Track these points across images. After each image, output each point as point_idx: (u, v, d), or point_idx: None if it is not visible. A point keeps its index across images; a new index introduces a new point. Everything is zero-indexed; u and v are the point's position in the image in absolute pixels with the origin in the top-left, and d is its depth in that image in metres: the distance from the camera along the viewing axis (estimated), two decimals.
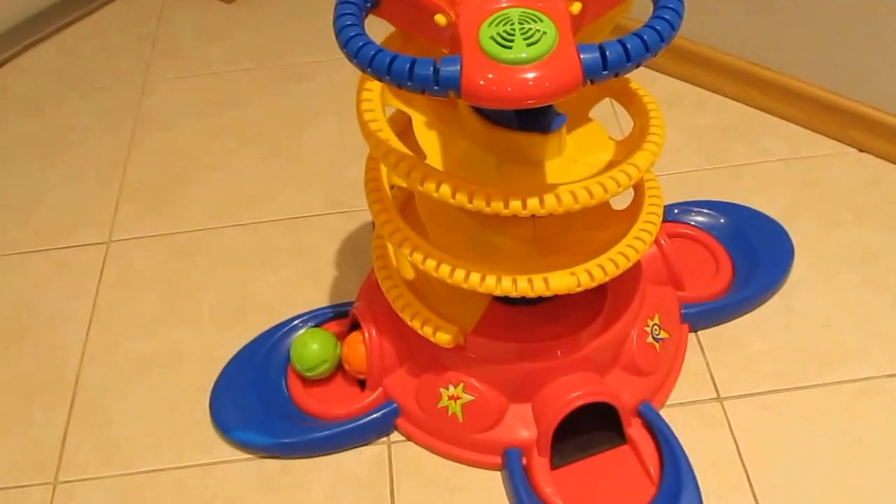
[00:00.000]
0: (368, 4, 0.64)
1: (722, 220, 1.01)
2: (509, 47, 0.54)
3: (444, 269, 0.69)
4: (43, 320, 1.01)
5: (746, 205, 1.04)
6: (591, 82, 0.56)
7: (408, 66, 0.56)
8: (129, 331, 0.99)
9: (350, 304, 0.95)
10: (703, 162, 1.14)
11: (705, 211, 1.02)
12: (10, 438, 0.90)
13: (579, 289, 0.70)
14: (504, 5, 0.58)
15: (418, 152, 0.71)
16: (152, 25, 1.49)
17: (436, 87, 0.55)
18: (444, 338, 0.77)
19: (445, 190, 0.64)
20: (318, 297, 1.00)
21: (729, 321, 0.94)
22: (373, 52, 0.57)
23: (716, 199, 1.04)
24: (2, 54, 1.43)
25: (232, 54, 1.41)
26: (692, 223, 1.01)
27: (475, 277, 0.69)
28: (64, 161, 1.23)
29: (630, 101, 0.77)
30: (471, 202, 0.63)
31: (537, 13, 0.56)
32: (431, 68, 0.55)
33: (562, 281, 0.69)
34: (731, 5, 1.15)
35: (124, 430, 0.90)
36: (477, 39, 0.55)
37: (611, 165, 0.72)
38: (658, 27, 0.57)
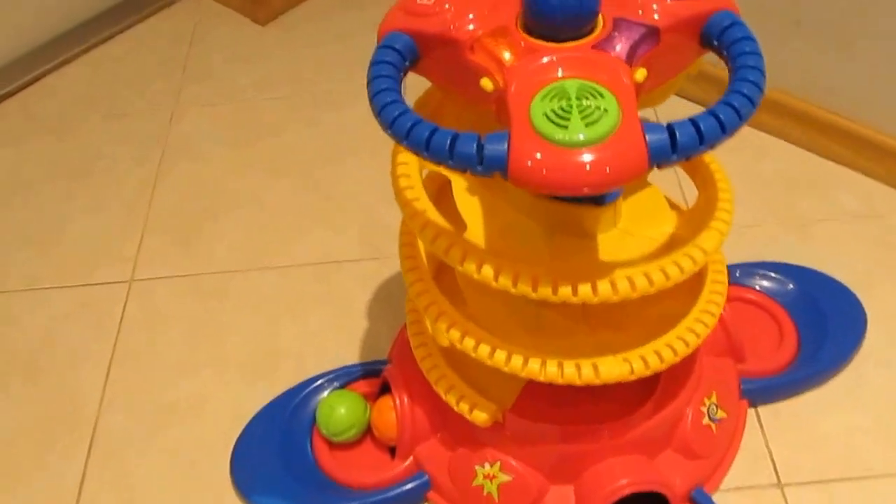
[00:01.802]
0: (407, 63, 0.60)
1: (788, 285, 0.96)
2: (565, 126, 0.50)
3: (484, 350, 0.65)
4: (62, 360, 1.00)
5: (814, 268, 0.98)
6: (658, 167, 0.51)
7: (449, 141, 0.52)
8: (151, 376, 0.97)
9: (381, 362, 0.92)
10: (767, 216, 1.08)
11: (770, 274, 0.97)
12: (26, 486, 0.88)
13: (632, 377, 0.65)
14: (560, 75, 0.53)
15: (457, 216, 0.67)
16: (184, 47, 1.47)
17: (480, 168, 0.51)
18: (480, 416, 0.73)
19: (487, 271, 0.60)
20: (349, 351, 0.97)
21: (793, 397, 0.88)
22: (410, 124, 0.53)
23: (781, 262, 0.98)
24: (31, 73, 1.42)
25: (264, 79, 1.38)
26: (755, 287, 0.96)
27: (517, 361, 0.64)
28: (89, 190, 1.22)
29: (695, 167, 0.71)
30: (515, 286, 0.59)
31: (597, 86, 0.52)
32: (475, 146, 0.51)
33: (613, 369, 0.64)
34: (803, 42, 1.09)
35: (142, 485, 0.87)
36: (528, 115, 0.51)
37: (672, 242, 0.67)
38: (736, 104, 0.52)
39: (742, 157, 1.15)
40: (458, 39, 0.58)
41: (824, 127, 1.11)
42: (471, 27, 0.57)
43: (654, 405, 0.77)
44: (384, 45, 0.59)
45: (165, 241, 1.13)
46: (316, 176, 1.20)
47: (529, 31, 0.57)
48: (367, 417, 0.84)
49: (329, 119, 1.29)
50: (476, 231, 0.65)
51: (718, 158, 0.70)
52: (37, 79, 1.43)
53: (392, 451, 0.84)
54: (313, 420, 0.87)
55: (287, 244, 1.10)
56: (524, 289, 0.59)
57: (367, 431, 0.86)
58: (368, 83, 0.58)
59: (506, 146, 0.51)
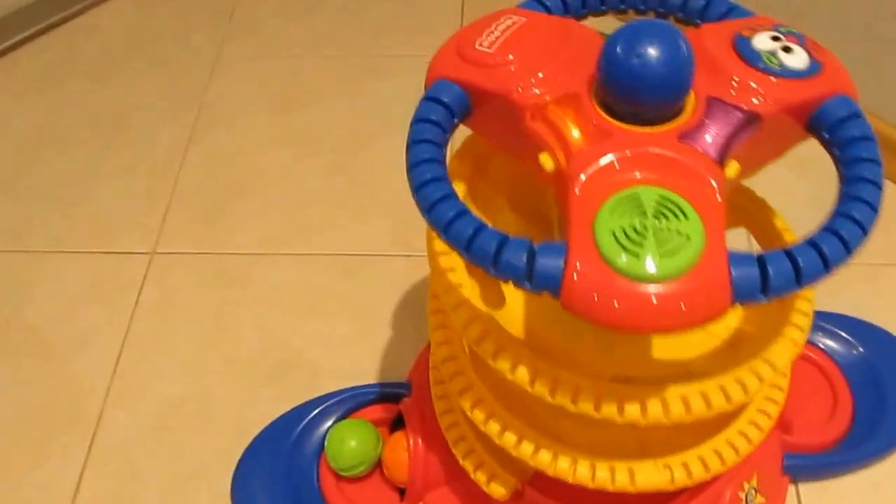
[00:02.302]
0: (456, 120, 0.50)
1: (851, 345, 0.85)
2: (636, 254, 0.40)
3: (509, 439, 0.57)
4: (74, 340, 0.93)
5: (879, 324, 0.87)
6: (742, 305, 0.41)
7: (494, 246, 0.42)
8: (161, 368, 0.90)
9: (400, 385, 0.84)
10: None
11: (829, 328, 0.86)
12: (21, 481, 0.83)
13: (672, 487, 0.56)
14: (637, 177, 0.43)
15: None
16: None
17: (528, 285, 0.42)
18: (498, 491, 0.65)
19: (522, 374, 0.51)
20: (367, 364, 0.89)
21: (840, 476, 0.79)
22: (452, 215, 0.44)
23: (847, 314, 0.87)
24: (76, 5, 1.32)
25: (311, 36, 1.28)
26: (816, 343, 0.85)
27: (545, 457, 0.56)
28: (120, 147, 1.14)
29: (772, 244, 0.61)
30: (552, 397, 0.50)
31: (681, 201, 0.42)
32: (525, 256, 0.41)
33: (651, 477, 0.56)
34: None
35: (141, 492, 0.81)
36: (592, 230, 0.41)
37: (736, 340, 0.57)
38: (845, 234, 0.42)
39: (811, 174, 1.02)
40: (520, 104, 0.47)
41: None
42: (536, 90, 0.47)
43: (691, 491, 0.68)
44: (431, 98, 0.49)
45: (191, 214, 1.05)
46: (351, 156, 1.11)
47: (604, 103, 0.46)
48: (379, 453, 0.77)
49: (372, 89, 1.19)
50: (515, 310, 0.56)
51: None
52: (81, 11, 1.33)
53: (402, 490, 0.77)
54: (321, 446, 0.80)
55: (315, 231, 1.02)
56: (562, 400, 0.50)
57: (378, 465, 0.79)
58: (408, 146, 0.48)
59: (562, 264, 0.41)
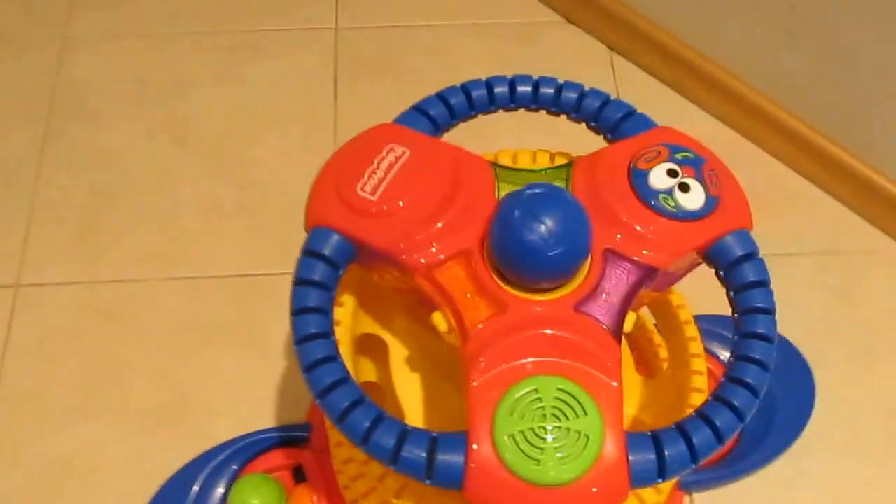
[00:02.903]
0: (341, 271, 0.48)
1: None
2: (536, 460, 0.40)
3: None
4: None
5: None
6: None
7: (394, 441, 0.42)
8: (42, 419, 0.87)
9: (300, 428, 0.84)
10: None
11: (721, 332, 0.89)
12: None
13: None
14: (535, 362, 0.42)
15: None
16: None
17: (429, 482, 0.42)
18: None
19: None
20: (265, 404, 0.88)
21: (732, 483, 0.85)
22: (345, 406, 0.43)
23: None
24: None
25: (175, 10, 1.17)
26: (708, 352, 0.89)
27: None
28: None
29: (666, 319, 0.62)
30: None
31: (579, 392, 0.42)
32: (425, 452, 0.41)
33: None
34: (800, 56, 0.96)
35: None
36: (491, 429, 0.41)
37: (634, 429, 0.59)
38: (738, 403, 0.44)
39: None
40: (409, 265, 0.46)
41: (800, 140, 1.01)
42: (426, 249, 0.46)
43: None
44: (311, 252, 0.47)
45: (56, 232, 0.98)
46: (232, 156, 1.05)
47: (497, 267, 0.45)
48: None
49: (251, 74, 1.12)
50: (415, 421, 0.56)
51: None
52: None
53: None
54: (224, 501, 0.79)
55: (198, 249, 0.97)
56: None
57: None
58: (292, 313, 0.46)
59: (462, 460, 0.41)
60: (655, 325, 0.70)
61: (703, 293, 0.94)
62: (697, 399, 0.58)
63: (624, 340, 0.63)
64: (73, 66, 1.11)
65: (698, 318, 0.90)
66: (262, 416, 0.87)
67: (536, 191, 0.43)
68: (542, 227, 0.42)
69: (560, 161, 0.57)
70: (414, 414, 0.57)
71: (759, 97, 1.02)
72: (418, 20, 1.16)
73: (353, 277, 0.57)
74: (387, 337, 0.58)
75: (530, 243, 0.42)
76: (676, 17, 1.04)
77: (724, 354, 0.89)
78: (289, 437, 0.83)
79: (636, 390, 0.61)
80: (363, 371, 0.63)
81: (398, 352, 0.58)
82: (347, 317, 0.56)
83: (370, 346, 0.61)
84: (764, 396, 0.85)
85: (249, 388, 0.89)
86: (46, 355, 0.90)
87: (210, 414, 0.87)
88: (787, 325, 0.91)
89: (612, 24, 1.10)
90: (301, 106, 1.09)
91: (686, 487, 0.84)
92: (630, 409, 0.60)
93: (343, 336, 0.56)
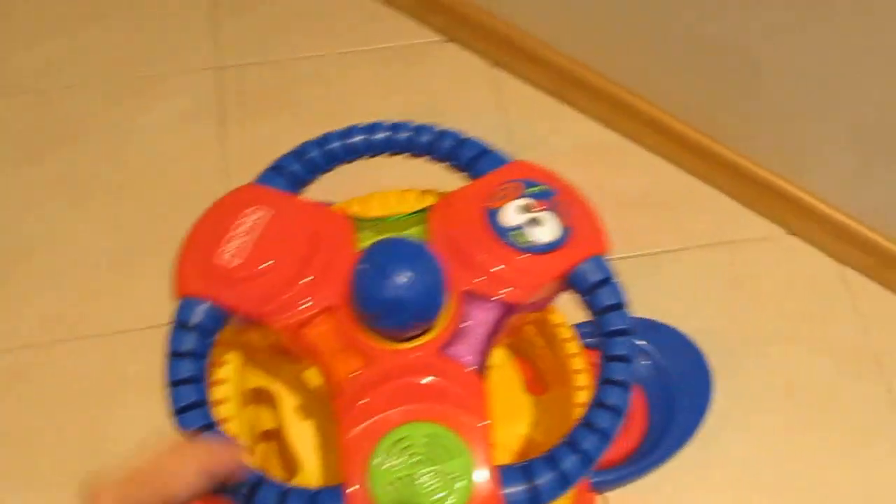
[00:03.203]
0: (213, 338, 0.49)
1: (639, 346, 0.92)
2: None
3: None
4: None
5: (666, 316, 0.95)
6: None
7: (274, 502, 0.43)
8: None
9: None
10: (620, 245, 1.02)
11: None
12: None
13: None
14: (405, 411, 0.44)
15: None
16: None
17: None
18: None
19: None
20: None
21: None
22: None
23: (633, 316, 0.94)
24: None
25: (58, 59, 1.15)
26: None
27: None
28: None
29: (551, 347, 0.65)
30: None
31: (447, 436, 0.44)
32: None
33: None
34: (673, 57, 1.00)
35: None
36: (367, 477, 0.42)
37: (528, 450, 0.61)
38: (604, 424, 0.46)
39: (600, 166, 1.08)
40: (277, 328, 0.47)
41: (683, 139, 1.05)
42: (292, 308, 0.47)
43: None
44: (181, 322, 0.48)
45: None
46: (129, 206, 1.04)
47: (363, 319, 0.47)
48: None
49: (143, 121, 1.11)
50: (311, 475, 0.57)
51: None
52: None
53: None
54: None
55: (102, 303, 0.97)
56: None
57: None
58: (167, 385, 0.47)
59: None
60: None
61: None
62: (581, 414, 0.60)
63: (513, 362, 0.65)
64: None
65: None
66: None
67: (387, 246, 0.45)
68: (394, 282, 0.43)
69: (428, 199, 0.59)
70: (309, 460, 0.58)
71: (637, 99, 1.05)
72: (300, 52, 1.17)
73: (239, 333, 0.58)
74: (275, 388, 0.59)
75: (384, 298, 0.44)
76: (554, 30, 1.07)
77: None
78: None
79: (527, 410, 0.64)
80: (263, 420, 0.64)
81: (288, 401, 0.59)
82: (234, 373, 0.57)
83: (269, 395, 0.62)
84: (662, 392, 0.90)
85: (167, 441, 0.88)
86: None
87: None
88: (683, 317, 0.96)
89: (493, 41, 1.13)
90: (191, 150, 1.09)
91: (597, 487, 0.87)
92: (522, 428, 0.63)
93: (231, 393, 0.57)
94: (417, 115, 1.09)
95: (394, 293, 0.43)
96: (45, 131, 1.10)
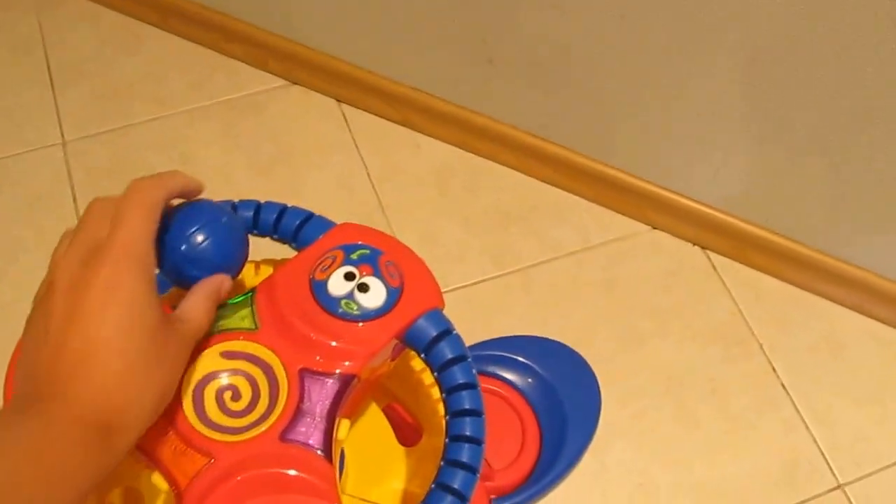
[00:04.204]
0: None
1: (524, 365, 0.94)
2: None
3: None
4: None
5: (543, 335, 0.97)
6: None
7: None
8: None
9: None
10: (486, 265, 1.05)
11: (505, 355, 0.95)
12: None
13: None
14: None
15: None
16: None
17: None
18: None
19: None
20: None
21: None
22: None
23: (508, 336, 0.96)
24: None
25: None
26: (494, 375, 0.93)
27: None
28: None
29: (417, 396, 0.65)
30: None
31: None
32: None
33: None
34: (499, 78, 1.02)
35: None
36: None
37: (406, 499, 0.61)
38: (457, 485, 0.47)
39: (454, 186, 1.10)
40: None
41: (533, 151, 1.08)
42: None
43: None
44: None
45: None
46: None
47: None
48: None
49: None
50: None
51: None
52: None
53: None
54: None
55: None
56: None
57: None
58: None
59: None
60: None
61: (475, 320, 0.99)
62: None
63: (381, 414, 0.65)
64: None
65: (478, 346, 0.95)
66: None
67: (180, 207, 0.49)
68: (190, 232, 0.48)
69: (266, 271, 0.59)
70: None
71: (481, 118, 1.07)
72: (143, 115, 1.15)
73: None
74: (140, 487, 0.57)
75: (183, 244, 0.48)
76: (391, 63, 1.08)
77: (508, 376, 0.94)
78: None
79: (400, 462, 0.64)
80: None
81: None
82: None
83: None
84: (552, 407, 0.92)
85: None
86: None
87: None
88: (560, 328, 0.99)
89: (334, 79, 1.13)
90: (46, 229, 1.05)
91: None
92: (398, 482, 0.63)
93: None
94: (270, 163, 1.09)
95: (192, 239, 0.47)
96: None
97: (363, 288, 0.50)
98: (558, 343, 0.97)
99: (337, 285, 0.50)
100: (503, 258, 1.05)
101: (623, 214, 1.09)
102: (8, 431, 0.37)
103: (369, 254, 0.51)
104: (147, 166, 1.11)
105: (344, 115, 1.15)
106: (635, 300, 1.03)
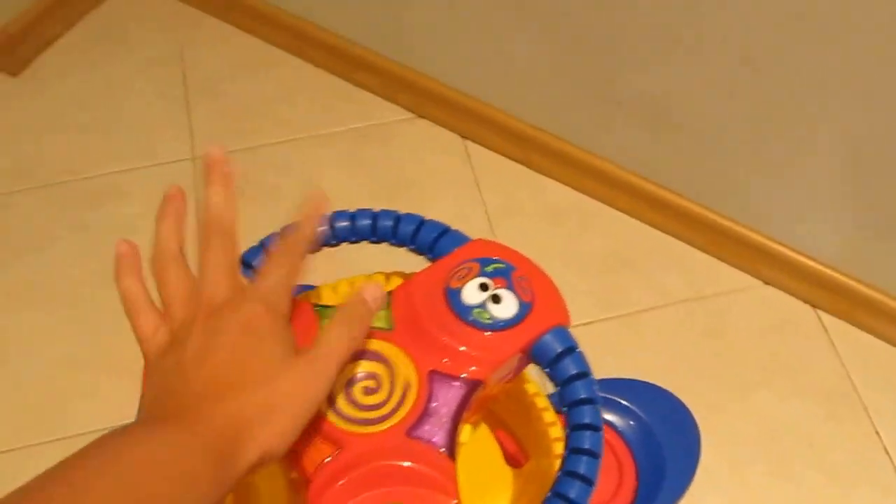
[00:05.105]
0: None
1: (626, 408, 0.94)
2: None
3: None
4: None
5: (647, 373, 0.96)
6: None
7: None
8: None
9: None
10: (594, 308, 1.05)
11: (606, 396, 0.94)
12: None
13: None
14: (374, 494, 0.46)
15: None
16: None
17: None
18: None
19: None
20: None
21: None
22: None
23: (613, 377, 0.96)
24: None
25: (19, 159, 1.18)
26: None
27: None
28: None
29: (528, 419, 0.66)
30: None
31: None
32: None
33: None
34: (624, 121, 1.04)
35: None
36: None
37: None
38: (573, 496, 0.47)
39: (566, 228, 1.11)
40: None
41: (647, 196, 1.08)
42: None
43: None
44: None
45: None
46: (93, 303, 1.06)
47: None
48: None
49: (96, 218, 1.13)
50: None
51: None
52: None
53: None
54: None
55: (73, 406, 0.98)
56: None
57: None
58: None
59: None
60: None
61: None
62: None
63: (491, 435, 0.67)
64: None
65: None
66: None
67: None
68: None
69: (394, 281, 0.61)
70: None
71: (600, 161, 1.09)
72: (272, 137, 1.21)
73: None
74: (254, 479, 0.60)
75: None
76: (518, 102, 1.11)
77: (609, 417, 0.93)
78: None
79: (507, 483, 0.64)
80: None
81: (267, 494, 0.60)
82: None
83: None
84: (651, 452, 0.91)
85: None
86: None
87: None
88: (666, 374, 0.98)
89: (461, 114, 1.17)
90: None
91: None
92: (504, 501, 0.64)
93: None
94: (392, 192, 1.13)
95: None
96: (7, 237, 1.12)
97: (496, 299, 0.51)
98: (661, 388, 0.97)
99: (471, 294, 0.52)
100: (612, 301, 1.06)
101: (733, 266, 1.08)
102: (143, 447, 0.39)
103: (503, 268, 0.53)
104: (271, 187, 1.17)
105: (467, 150, 1.18)
106: (742, 352, 1.02)
